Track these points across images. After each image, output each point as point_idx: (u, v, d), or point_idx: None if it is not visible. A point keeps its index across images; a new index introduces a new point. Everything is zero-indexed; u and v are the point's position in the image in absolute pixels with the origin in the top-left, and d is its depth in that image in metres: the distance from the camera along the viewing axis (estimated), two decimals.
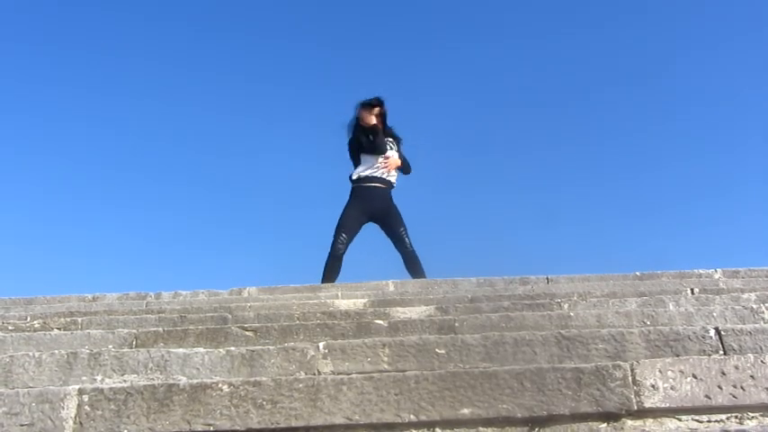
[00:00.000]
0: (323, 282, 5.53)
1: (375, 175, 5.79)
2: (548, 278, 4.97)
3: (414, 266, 5.70)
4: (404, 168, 6.01)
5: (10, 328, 3.40)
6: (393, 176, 5.90)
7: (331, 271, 5.62)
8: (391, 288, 4.87)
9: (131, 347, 2.81)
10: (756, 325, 2.30)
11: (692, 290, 4.00)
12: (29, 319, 3.74)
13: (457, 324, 2.80)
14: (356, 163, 5.90)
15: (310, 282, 5.33)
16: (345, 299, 4.17)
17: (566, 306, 3.40)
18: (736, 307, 2.89)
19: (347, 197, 5.87)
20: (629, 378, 1.71)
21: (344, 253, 5.68)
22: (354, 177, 5.83)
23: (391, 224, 5.80)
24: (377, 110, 5.82)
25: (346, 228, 5.68)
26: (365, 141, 5.75)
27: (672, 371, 1.73)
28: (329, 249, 5.66)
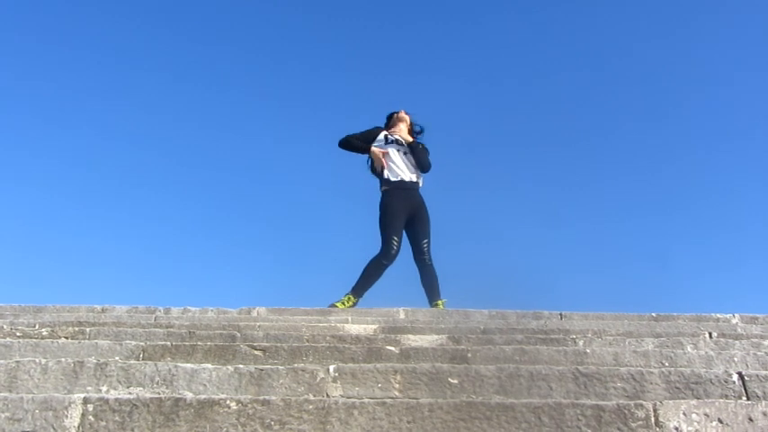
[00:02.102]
0: (356, 286, 5.36)
1: (404, 179, 5.76)
2: (561, 314, 4.88)
3: (429, 281, 5.57)
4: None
5: (18, 334, 3.37)
6: (420, 177, 5.87)
7: (375, 273, 5.42)
8: (402, 316, 4.80)
9: (139, 360, 2.77)
10: None
11: (709, 333, 3.90)
12: (37, 326, 3.71)
13: (470, 354, 2.74)
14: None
15: (320, 305, 5.27)
16: (356, 324, 4.11)
17: (581, 342, 3.33)
18: (758, 353, 2.81)
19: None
20: (652, 419, 1.65)
21: (391, 263, 5.48)
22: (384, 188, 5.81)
23: (418, 230, 5.68)
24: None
25: (396, 228, 5.54)
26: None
27: (696, 413, 1.66)
28: (381, 251, 5.47)
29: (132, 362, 2.31)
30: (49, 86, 16.93)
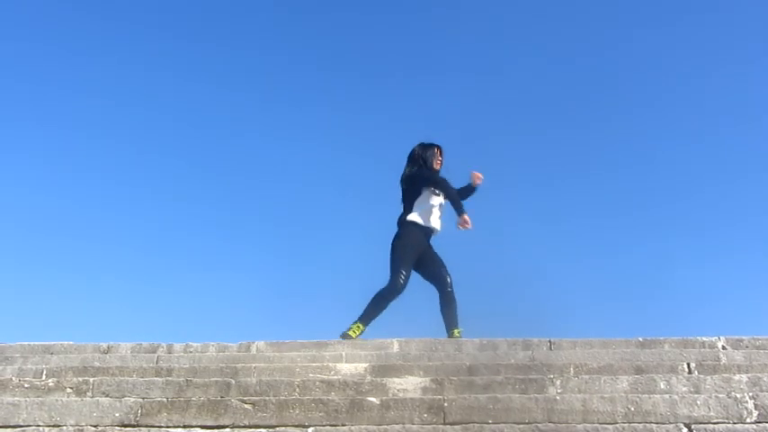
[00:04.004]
0: (363, 317, 5.49)
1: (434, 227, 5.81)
2: (550, 342, 4.99)
3: (449, 310, 5.65)
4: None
5: (26, 386, 3.58)
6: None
7: (383, 307, 5.55)
8: (395, 348, 4.95)
9: (137, 415, 2.99)
10: (728, 425, 2.39)
11: (688, 365, 4.05)
12: (44, 375, 3.93)
13: (446, 404, 2.91)
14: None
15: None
16: (348, 362, 4.29)
17: (558, 382, 3.48)
18: (720, 395, 2.95)
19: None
20: None
21: (398, 295, 5.60)
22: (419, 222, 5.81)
23: (437, 265, 5.77)
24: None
25: (407, 264, 5.63)
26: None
27: None
28: (389, 284, 5.58)
29: (128, 430, 2.50)
30: (41, 88, 17.24)
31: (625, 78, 17.47)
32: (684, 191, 15.84)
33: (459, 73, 18.28)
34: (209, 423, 2.89)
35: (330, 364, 4.15)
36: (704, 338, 5.01)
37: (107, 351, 5.07)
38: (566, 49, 18.04)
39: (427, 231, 5.83)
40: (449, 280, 5.74)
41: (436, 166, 6.02)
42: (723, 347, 4.81)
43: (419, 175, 5.92)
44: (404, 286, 5.62)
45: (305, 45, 19.08)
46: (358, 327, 5.53)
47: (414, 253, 5.71)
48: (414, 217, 5.82)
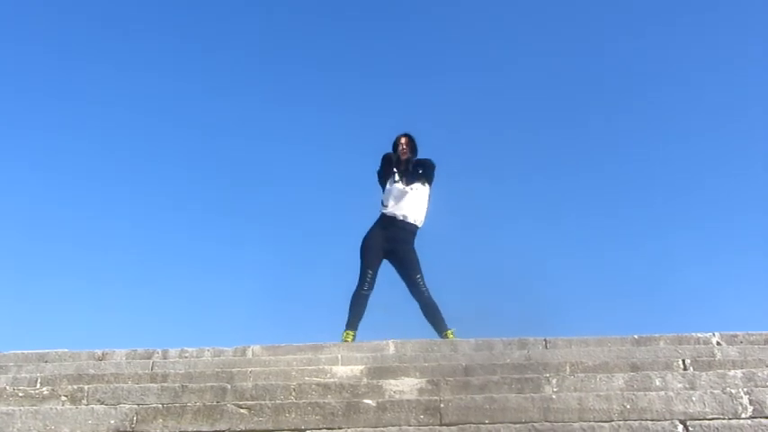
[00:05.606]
0: (348, 323, 5.48)
1: (398, 213, 5.72)
2: (546, 341, 4.98)
3: (431, 314, 5.56)
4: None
5: (20, 394, 3.56)
6: (419, 218, 5.78)
7: (355, 309, 5.53)
8: (391, 349, 4.94)
9: (133, 422, 2.97)
10: (723, 421, 2.39)
11: (683, 362, 4.05)
12: (38, 383, 3.91)
13: (442, 405, 2.91)
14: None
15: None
16: (344, 364, 4.28)
17: (554, 381, 3.48)
18: (715, 391, 2.96)
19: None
20: None
21: (371, 291, 5.60)
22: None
23: (406, 267, 5.65)
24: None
25: (369, 262, 5.61)
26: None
27: None
28: (356, 287, 5.60)
29: None
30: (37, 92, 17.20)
31: (624, 75, 17.51)
32: (679, 188, 15.90)
33: (459, 72, 18.29)
34: (204, 428, 2.88)
35: (326, 367, 4.14)
36: (699, 334, 5.02)
37: (102, 358, 5.04)
38: (565, 47, 18.09)
39: (388, 219, 5.71)
40: (423, 286, 5.60)
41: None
42: (718, 343, 4.82)
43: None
44: (367, 286, 5.57)
45: (304, 46, 19.08)
46: (347, 334, 5.48)
47: (371, 248, 5.65)
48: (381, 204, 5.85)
